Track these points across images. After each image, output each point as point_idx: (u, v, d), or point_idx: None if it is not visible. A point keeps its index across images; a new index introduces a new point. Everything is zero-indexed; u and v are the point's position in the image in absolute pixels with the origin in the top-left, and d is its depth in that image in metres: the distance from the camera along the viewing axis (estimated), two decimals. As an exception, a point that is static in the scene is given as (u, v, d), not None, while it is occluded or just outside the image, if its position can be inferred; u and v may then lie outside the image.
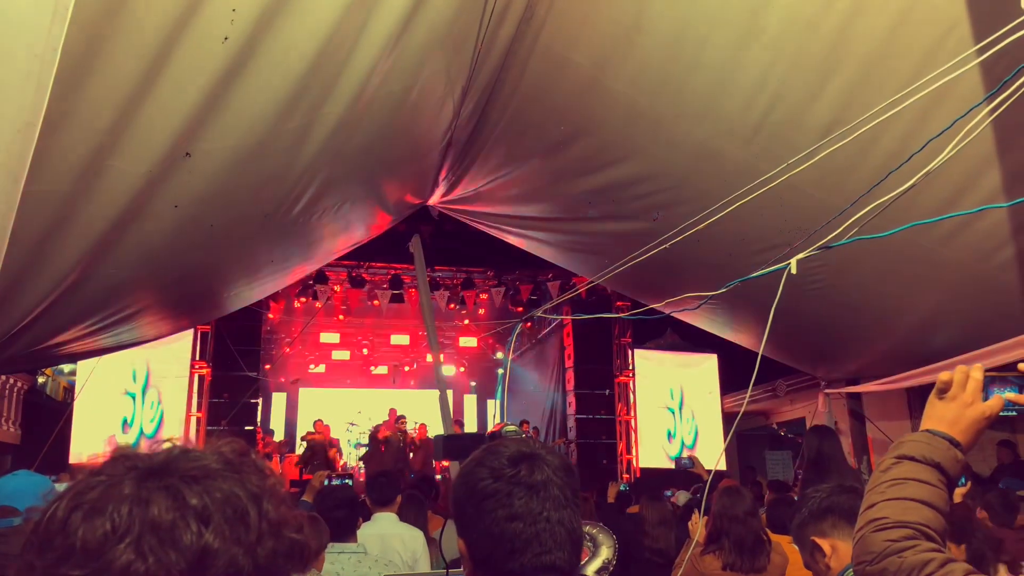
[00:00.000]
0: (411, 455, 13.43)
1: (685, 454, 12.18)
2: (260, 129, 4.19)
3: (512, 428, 1.79)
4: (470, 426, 17.74)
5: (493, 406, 19.07)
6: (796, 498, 6.51)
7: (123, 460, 0.84)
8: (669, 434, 13.90)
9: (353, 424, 15.87)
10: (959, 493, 5.26)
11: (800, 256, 2.92)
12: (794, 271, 2.90)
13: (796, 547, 4.09)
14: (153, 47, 3.24)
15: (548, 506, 1.28)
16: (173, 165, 4.04)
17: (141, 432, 11.14)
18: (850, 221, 3.13)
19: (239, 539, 0.80)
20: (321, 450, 12.94)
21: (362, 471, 14.00)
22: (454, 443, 1.96)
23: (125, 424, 11.11)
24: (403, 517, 4.59)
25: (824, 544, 2.14)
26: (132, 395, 11.23)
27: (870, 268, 5.80)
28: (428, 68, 4.74)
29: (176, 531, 0.77)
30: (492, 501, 1.29)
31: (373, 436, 13.21)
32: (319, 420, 13.80)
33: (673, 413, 14.05)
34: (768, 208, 4.84)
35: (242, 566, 0.79)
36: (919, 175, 2.81)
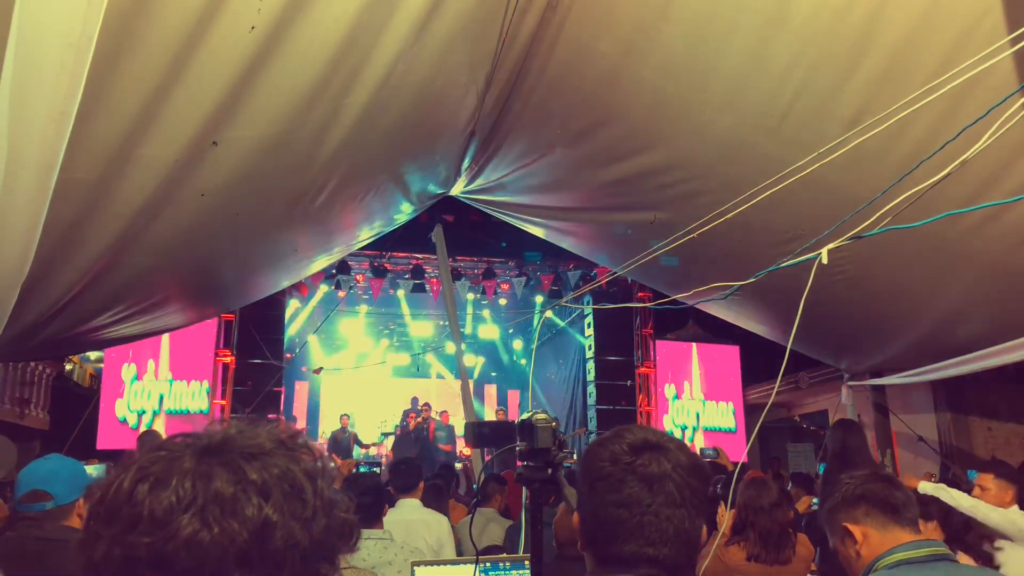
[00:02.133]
0: (437, 444, 13.50)
1: (709, 446, 12.13)
2: (286, 118, 4.22)
3: (543, 416, 1.78)
4: (491, 416, 17.80)
5: (514, 396, 19.11)
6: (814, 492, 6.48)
7: (180, 437, 0.88)
8: (690, 425, 13.86)
9: (384, 421, 15.94)
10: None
11: (831, 246, 2.89)
12: (825, 261, 2.87)
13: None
14: (182, 36, 3.27)
15: (659, 500, 1.27)
16: (200, 154, 4.08)
17: (165, 417, 11.27)
18: (882, 211, 3.09)
19: (296, 514, 0.83)
20: (344, 443, 13.07)
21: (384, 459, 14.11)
22: (483, 430, 1.96)
23: (150, 410, 11.23)
24: (425, 504, 4.62)
25: (856, 531, 2.13)
26: (157, 382, 11.35)
27: (896, 259, 5.74)
28: (452, 57, 4.74)
29: (238, 503, 0.80)
30: (604, 484, 1.30)
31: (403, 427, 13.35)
32: (344, 416, 13.93)
33: (695, 403, 14.00)
34: (795, 198, 4.79)
35: (299, 539, 0.82)
36: (954, 164, 2.77)
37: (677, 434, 13.59)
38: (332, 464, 0.94)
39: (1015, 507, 4.22)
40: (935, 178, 2.92)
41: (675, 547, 1.27)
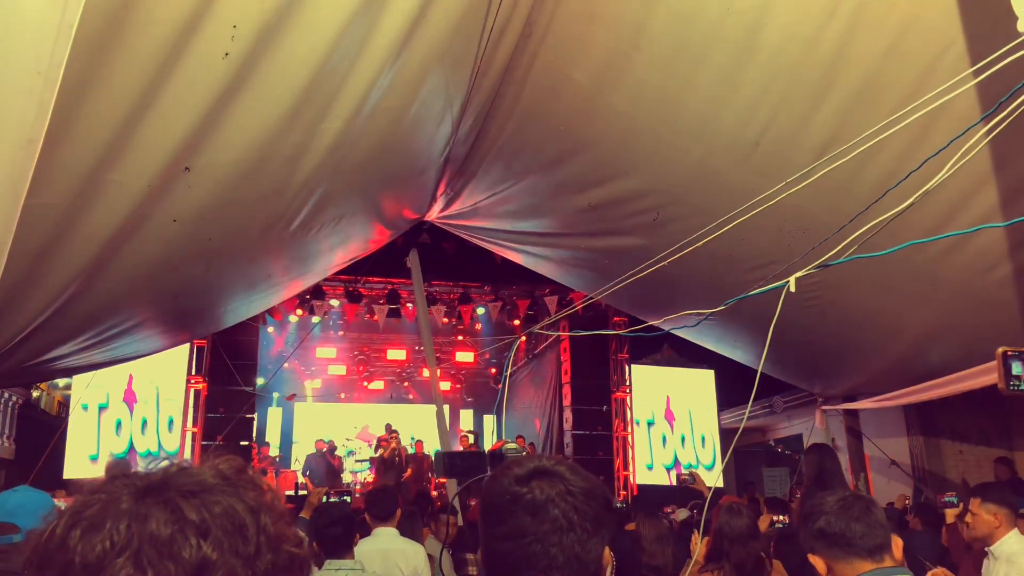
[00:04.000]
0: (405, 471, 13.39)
1: (684, 471, 12.13)
2: (259, 144, 4.21)
3: (513, 446, 1.78)
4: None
5: (489, 421, 19.04)
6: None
7: (121, 478, 0.85)
8: (665, 450, 13.86)
9: (349, 439, 15.85)
10: (951, 514, 5.21)
11: (799, 274, 2.93)
12: (793, 289, 2.90)
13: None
14: (155, 62, 3.26)
15: (545, 528, 1.24)
16: (172, 179, 4.05)
17: (132, 446, 11.09)
18: (848, 240, 3.14)
19: (237, 551, 0.80)
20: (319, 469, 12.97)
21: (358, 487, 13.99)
22: (454, 461, 1.95)
23: (119, 439, 11.05)
24: (401, 532, 4.57)
25: (818, 564, 2.16)
26: (127, 410, 11.18)
27: (867, 285, 5.82)
28: (427, 84, 4.77)
29: (175, 545, 0.77)
30: (493, 518, 1.27)
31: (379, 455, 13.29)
32: (320, 440, 13.83)
33: (670, 429, 14.01)
34: (766, 225, 4.86)
35: None
36: (917, 194, 2.82)
37: (650, 459, 13.63)
38: (278, 498, 0.90)
39: (1014, 532, 4.09)
40: (898, 208, 2.97)
41: (569, 574, 1.24)
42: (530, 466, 1.31)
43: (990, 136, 2.90)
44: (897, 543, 2.14)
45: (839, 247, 3.16)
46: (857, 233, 3.11)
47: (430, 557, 4.71)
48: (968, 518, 4.12)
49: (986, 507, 4.03)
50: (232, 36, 3.35)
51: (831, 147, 4.10)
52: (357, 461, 15.33)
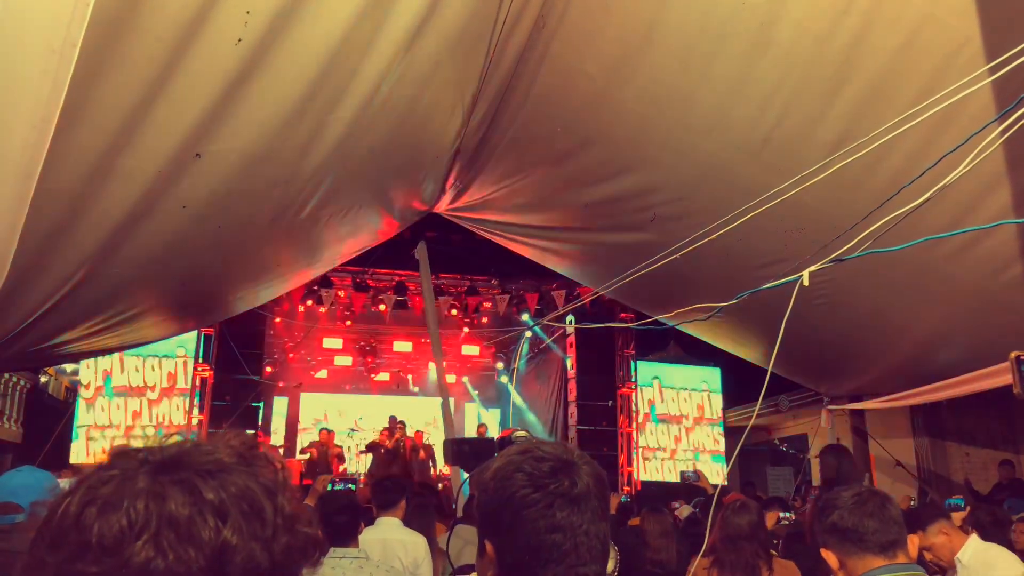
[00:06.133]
0: (411, 461, 13.42)
1: (690, 468, 12.13)
2: (270, 132, 4.21)
3: (522, 434, 1.77)
4: (473, 433, 17.68)
5: (495, 415, 19.05)
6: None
7: (133, 454, 0.82)
8: (669, 447, 13.86)
9: (355, 430, 15.88)
10: (958, 517, 5.19)
11: (812, 268, 2.91)
12: (806, 283, 2.89)
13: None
14: (168, 47, 3.26)
15: (587, 518, 1.27)
16: (183, 166, 4.05)
17: (138, 433, 11.14)
18: (862, 235, 3.12)
19: (256, 534, 0.78)
20: (323, 460, 12.94)
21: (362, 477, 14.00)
22: (462, 447, 1.94)
23: (126, 425, 11.10)
24: (409, 523, 4.55)
25: (830, 558, 2.15)
26: (134, 396, 11.22)
27: (876, 284, 5.79)
28: (439, 75, 4.75)
29: (194, 527, 0.75)
30: (533, 511, 1.26)
31: (374, 445, 13.21)
32: (324, 430, 13.84)
33: (675, 425, 14.00)
34: (777, 221, 4.83)
35: (259, 561, 0.78)
36: (933, 189, 2.81)
37: (654, 455, 13.63)
38: (290, 476, 0.87)
39: (974, 536, 4.05)
40: (914, 203, 2.95)
41: (601, 562, 1.28)
42: (553, 456, 1.31)
43: (1007, 135, 2.88)
44: (912, 541, 2.12)
45: (852, 243, 3.14)
46: (871, 229, 3.09)
47: (438, 548, 4.70)
48: (944, 547, 4.02)
49: (949, 525, 4.01)
50: (245, 22, 3.35)
51: (844, 143, 4.07)
52: (360, 452, 15.37)
